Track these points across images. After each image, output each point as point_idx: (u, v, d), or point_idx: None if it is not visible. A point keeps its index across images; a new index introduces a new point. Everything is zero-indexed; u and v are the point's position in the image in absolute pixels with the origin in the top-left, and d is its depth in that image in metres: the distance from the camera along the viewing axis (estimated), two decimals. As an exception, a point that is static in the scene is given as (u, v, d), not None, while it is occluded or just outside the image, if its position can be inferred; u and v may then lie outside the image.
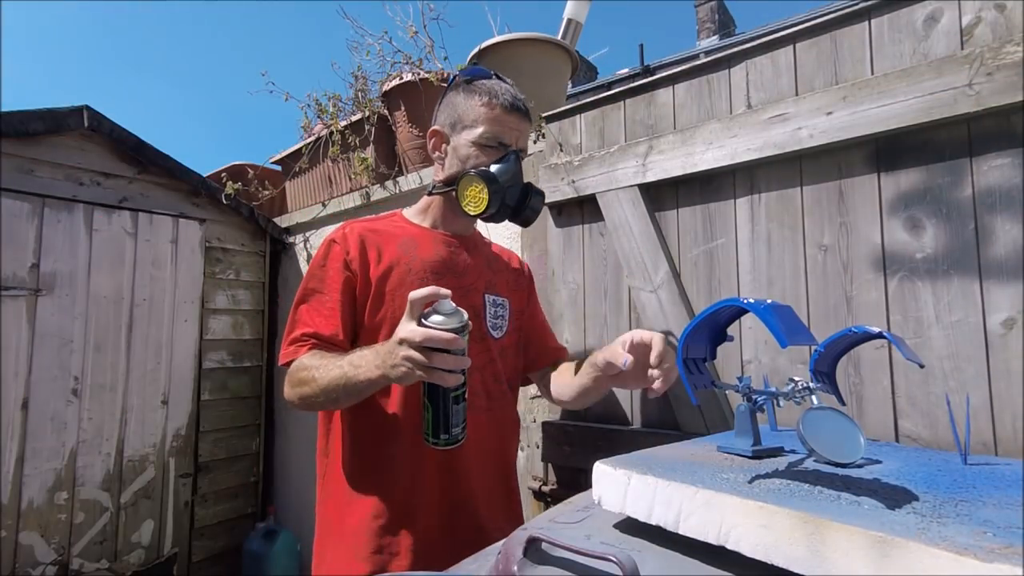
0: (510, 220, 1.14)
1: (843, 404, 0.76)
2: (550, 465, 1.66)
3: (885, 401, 1.11)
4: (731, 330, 0.80)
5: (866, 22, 1.18)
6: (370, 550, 1.01)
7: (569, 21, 2.74)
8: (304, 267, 3.09)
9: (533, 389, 1.78)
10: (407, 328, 0.80)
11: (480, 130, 1.08)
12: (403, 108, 2.52)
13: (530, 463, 1.72)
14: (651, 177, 1.44)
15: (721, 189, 1.37)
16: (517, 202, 1.12)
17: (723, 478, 0.61)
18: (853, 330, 0.71)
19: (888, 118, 1.10)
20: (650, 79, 1.52)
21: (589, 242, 1.61)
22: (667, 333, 1.35)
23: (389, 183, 2.52)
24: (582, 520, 0.71)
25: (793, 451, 0.77)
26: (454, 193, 1.08)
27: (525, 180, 1.15)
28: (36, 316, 2.37)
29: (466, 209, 1.06)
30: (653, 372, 0.94)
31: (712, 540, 0.55)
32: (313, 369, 0.96)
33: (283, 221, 3.19)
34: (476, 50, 2.33)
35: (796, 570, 0.48)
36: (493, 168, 1.06)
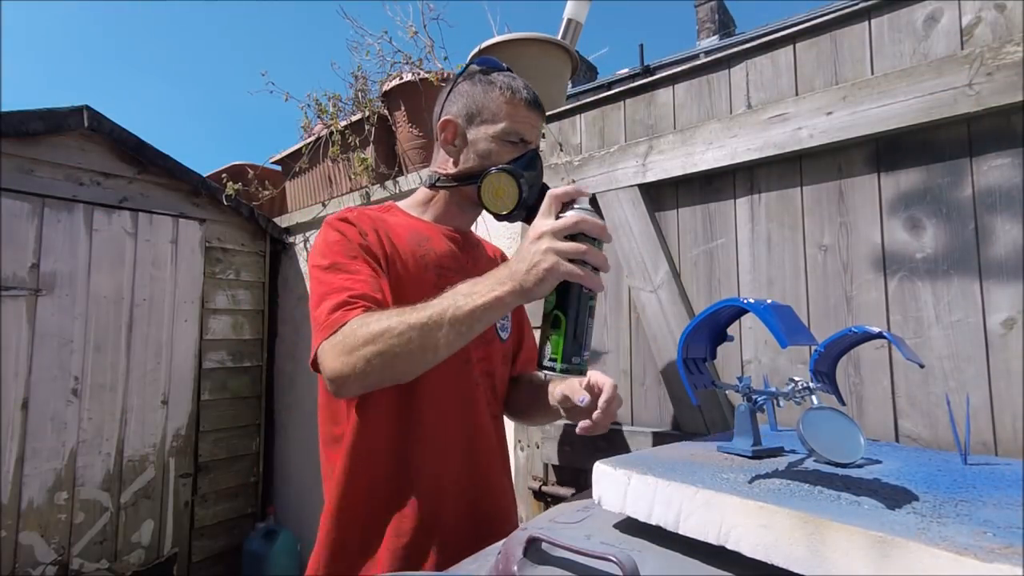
0: (525, 221, 1.06)
1: (843, 404, 0.76)
2: (550, 465, 1.66)
3: (885, 401, 1.11)
4: (731, 330, 0.80)
5: (866, 22, 1.18)
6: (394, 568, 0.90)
7: (569, 21, 2.74)
8: (305, 267, 3.09)
9: (533, 389, 1.78)
10: (549, 221, 0.70)
11: (502, 125, 1.01)
12: (403, 108, 2.52)
13: (530, 463, 1.72)
14: (651, 177, 1.44)
15: (721, 189, 1.37)
16: (534, 204, 1.04)
17: (723, 478, 0.61)
18: (853, 330, 0.71)
19: (888, 118, 1.10)
20: (650, 79, 1.52)
21: (589, 242, 1.61)
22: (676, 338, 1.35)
23: (389, 183, 2.52)
24: (582, 520, 0.71)
25: (793, 451, 0.77)
26: (477, 189, 0.99)
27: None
28: (36, 316, 2.37)
29: (489, 206, 0.99)
30: (595, 414, 0.92)
31: (712, 540, 0.55)
32: (387, 317, 0.77)
33: (283, 221, 3.19)
34: (476, 50, 2.33)
35: (796, 570, 0.48)
36: (520, 166, 1.00)
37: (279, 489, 3.16)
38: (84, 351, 2.50)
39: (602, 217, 1.53)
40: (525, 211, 1.03)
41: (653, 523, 0.61)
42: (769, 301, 0.63)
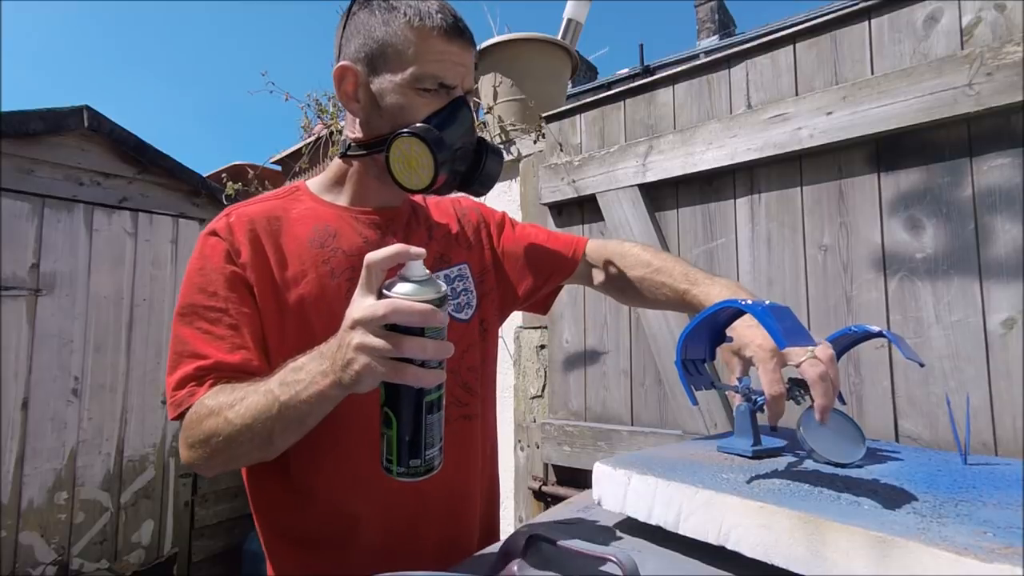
0: (459, 190, 0.87)
1: (843, 404, 0.76)
2: (550, 465, 1.66)
3: (885, 401, 1.11)
4: (729, 331, 0.79)
5: (866, 22, 1.18)
6: None
7: (569, 21, 2.74)
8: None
9: (533, 389, 1.78)
10: (363, 304, 0.55)
11: (412, 69, 0.76)
12: (403, 108, 2.52)
13: (530, 463, 1.72)
14: (651, 177, 1.44)
15: (721, 189, 1.37)
16: (469, 166, 0.84)
17: (723, 478, 0.61)
18: (853, 329, 0.71)
19: (888, 118, 1.10)
20: (650, 79, 1.52)
21: (589, 242, 1.62)
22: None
23: (389, 183, 2.52)
24: (582, 520, 0.71)
25: (795, 453, 0.77)
26: (383, 158, 0.77)
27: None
28: (36, 316, 2.37)
29: (402, 182, 0.77)
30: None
31: (712, 540, 0.55)
32: (223, 409, 0.65)
33: (283, 221, 3.19)
34: (476, 50, 2.32)
35: (796, 570, 0.48)
36: (437, 124, 0.77)
37: (279, 489, 3.15)
38: (84, 351, 2.50)
39: (602, 218, 1.54)
40: (454, 179, 0.83)
41: (653, 523, 0.61)
42: (767, 302, 0.63)
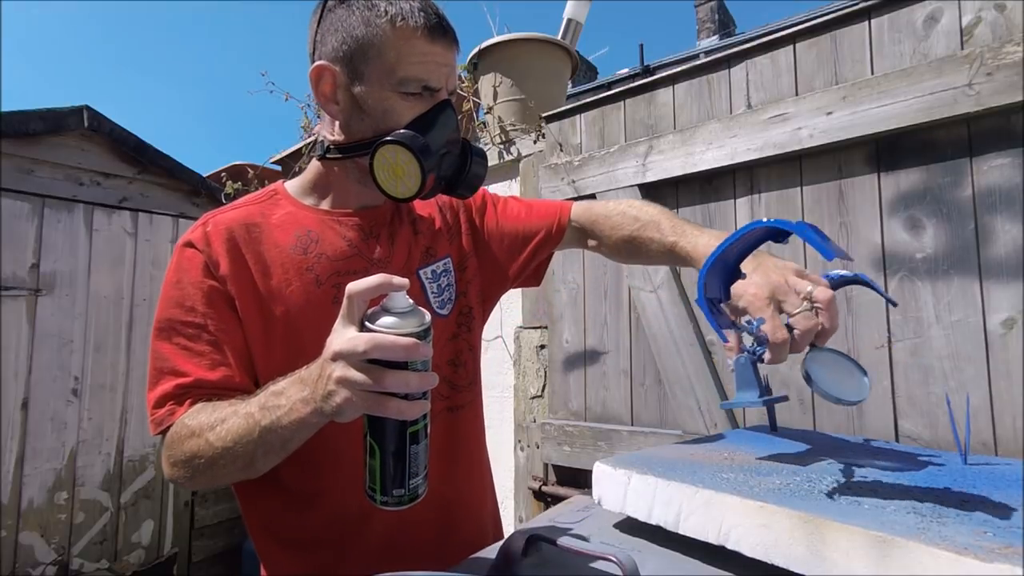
0: (445, 194, 0.84)
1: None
2: (550, 465, 1.66)
3: (885, 401, 1.11)
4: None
5: (866, 22, 1.18)
6: None
7: (569, 21, 2.74)
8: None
9: (533, 389, 1.78)
10: (344, 336, 0.55)
11: (395, 72, 0.73)
12: (403, 108, 2.52)
13: (530, 463, 1.72)
14: (651, 177, 1.44)
15: (721, 189, 1.37)
16: (455, 170, 0.81)
17: (723, 478, 0.61)
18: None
19: (888, 118, 1.10)
20: (650, 79, 1.52)
21: (589, 242, 1.62)
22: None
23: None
24: (582, 520, 0.71)
25: (795, 453, 0.77)
26: (367, 164, 0.75)
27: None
28: (36, 316, 2.37)
29: (388, 190, 0.74)
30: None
31: (712, 540, 0.55)
32: (204, 431, 0.65)
33: (283, 221, 3.19)
34: (476, 50, 2.32)
35: (796, 570, 0.48)
36: (422, 129, 0.74)
37: (279, 489, 3.15)
38: (84, 351, 2.50)
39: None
40: (440, 184, 0.81)
41: (653, 523, 0.61)
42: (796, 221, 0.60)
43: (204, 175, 3.00)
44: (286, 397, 0.60)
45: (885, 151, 1.15)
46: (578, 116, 1.66)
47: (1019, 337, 0.98)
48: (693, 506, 0.57)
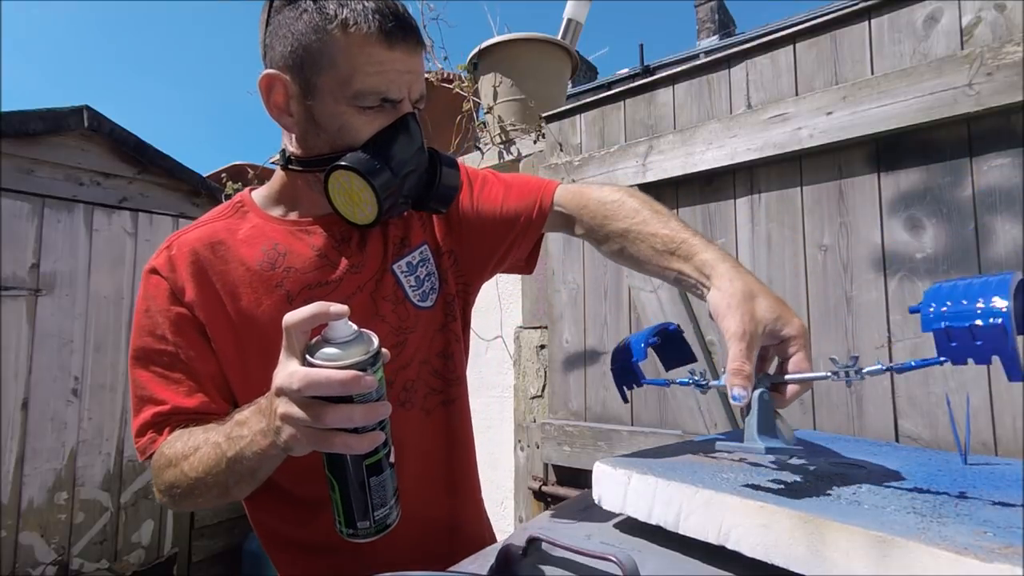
0: (415, 209, 0.79)
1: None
2: (550, 465, 1.66)
3: (885, 401, 1.11)
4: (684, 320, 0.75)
5: (866, 22, 1.18)
6: None
7: (569, 21, 2.74)
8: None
9: (533, 389, 1.78)
10: (285, 371, 0.52)
11: (350, 84, 0.66)
12: (403, 108, 2.52)
13: (530, 463, 1.72)
14: (651, 177, 1.44)
15: (721, 189, 1.37)
16: (424, 185, 0.75)
17: (723, 478, 0.61)
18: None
19: (888, 118, 1.10)
20: (650, 79, 1.52)
21: (589, 242, 1.62)
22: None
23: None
24: (582, 520, 0.71)
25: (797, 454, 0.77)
26: (323, 183, 0.70)
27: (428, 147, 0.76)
28: (36, 316, 2.37)
29: (346, 216, 0.71)
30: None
31: (712, 540, 0.55)
32: (180, 461, 0.64)
33: (283, 221, 3.19)
34: (476, 50, 2.32)
35: (796, 570, 0.48)
36: (381, 148, 0.69)
37: (279, 489, 3.15)
38: (84, 351, 2.50)
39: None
40: (406, 203, 0.75)
41: (653, 523, 0.61)
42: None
43: (204, 175, 3.00)
44: (248, 428, 0.58)
45: (885, 151, 1.15)
46: (578, 116, 1.66)
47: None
48: (693, 506, 0.57)
